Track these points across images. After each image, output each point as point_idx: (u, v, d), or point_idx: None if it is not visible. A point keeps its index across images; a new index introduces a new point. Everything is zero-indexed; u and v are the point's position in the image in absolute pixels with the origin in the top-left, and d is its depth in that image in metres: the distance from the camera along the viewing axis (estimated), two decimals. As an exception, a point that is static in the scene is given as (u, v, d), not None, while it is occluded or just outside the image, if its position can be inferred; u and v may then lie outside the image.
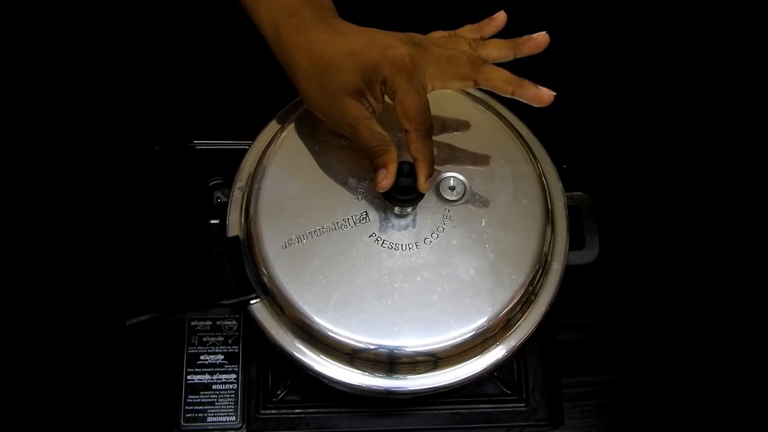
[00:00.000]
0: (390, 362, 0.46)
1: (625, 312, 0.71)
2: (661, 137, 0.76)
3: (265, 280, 0.47)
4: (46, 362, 0.62)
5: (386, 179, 0.44)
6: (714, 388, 0.68)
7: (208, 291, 0.48)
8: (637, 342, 0.70)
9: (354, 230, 0.48)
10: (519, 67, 0.46)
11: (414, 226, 0.48)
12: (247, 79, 0.72)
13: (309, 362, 0.47)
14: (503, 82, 0.45)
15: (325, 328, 0.45)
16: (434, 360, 0.46)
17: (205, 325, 0.63)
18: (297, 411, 0.62)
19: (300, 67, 0.46)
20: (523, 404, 0.62)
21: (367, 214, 0.48)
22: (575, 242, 0.53)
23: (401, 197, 0.45)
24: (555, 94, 0.45)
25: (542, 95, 0.44)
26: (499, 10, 0.50)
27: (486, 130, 0.52)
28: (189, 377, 0.61)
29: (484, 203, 0.49)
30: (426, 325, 0.45)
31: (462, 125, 0.52)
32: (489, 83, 0.45)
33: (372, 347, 0.45)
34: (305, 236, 0.47)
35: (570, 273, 0.51)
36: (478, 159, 0.51)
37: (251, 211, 0.49)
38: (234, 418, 0.60)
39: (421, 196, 0.46)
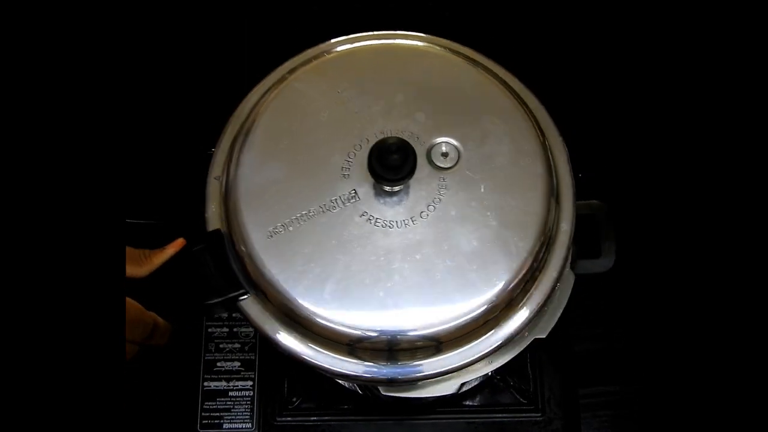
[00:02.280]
0: (391, 349, 0.43)
1: (644, 321, 0.69)
2: (680, 145, 0.73)
3: (253, 274, 0.44)
4: (60, 366, 0.62)
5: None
6: (736, 398, 0.65)
7: (194, 293, 0.44)
8: (656, 351, 0.68)
9: (343, 211, 0.44)
10: (537, 75, 0.43)
11: (408, 200, 0.44)
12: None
13: (309, 358, 0.44)
14: None
15: (324, 319, 0.42)
16: (437, 344, 0.43)
17: (222, 332, 0.63)
18: (313, 419, 0.62)
19: None
20: (539, 414, 0.61)
21: (356, 192, 0.44)
22: (591, 250, 0.51)
23: (389, 177, 0.41)
24: None
25: None
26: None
27: (477, 90, 0.48)
28: (206, 384, 0.62)
29: (480, 167, 0.45)
30: (431, 306, 0.42)
31: (452, 88, 0.48)
32: None
33: (373, 335, 0.42)
34: (291, 223, 0.44)
35: (586, 281, 0.49)
36: (469, 119, 0.47)
37: (230, 201, 0.45)
38: (250, 425, 0.61)
39: (412, 172, 0.41)
